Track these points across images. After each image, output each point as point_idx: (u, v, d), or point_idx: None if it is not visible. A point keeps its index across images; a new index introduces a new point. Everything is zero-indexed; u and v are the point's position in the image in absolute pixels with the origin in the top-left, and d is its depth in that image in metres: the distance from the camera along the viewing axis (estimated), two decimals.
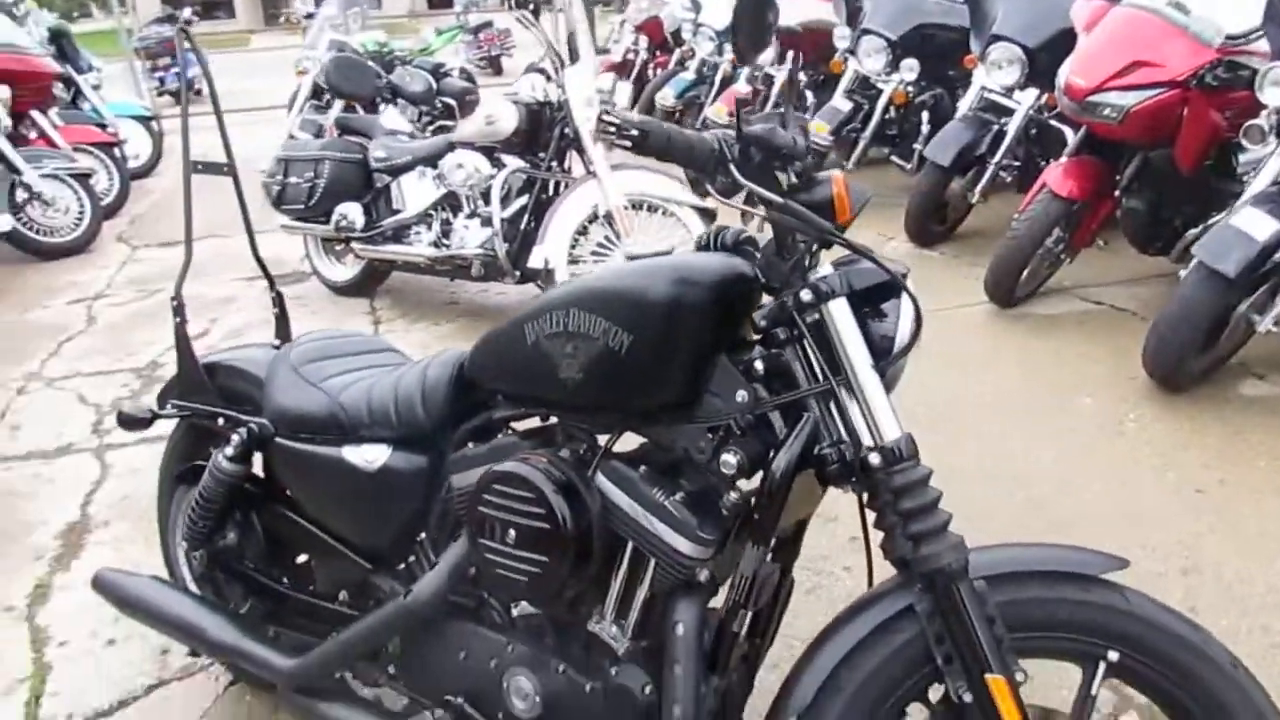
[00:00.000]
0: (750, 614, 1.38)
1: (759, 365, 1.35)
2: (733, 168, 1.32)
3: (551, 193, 4.30)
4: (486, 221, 4.27)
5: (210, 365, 2.00)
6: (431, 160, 4.50)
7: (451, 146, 4.43)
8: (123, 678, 2.24)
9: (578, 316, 1.40)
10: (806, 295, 1.31)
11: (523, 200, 4.29)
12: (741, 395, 1.35)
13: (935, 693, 1.33)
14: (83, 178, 6.25)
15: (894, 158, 5.87)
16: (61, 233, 6.16)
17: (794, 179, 1.33)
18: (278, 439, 1.81)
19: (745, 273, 1.36)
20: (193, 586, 2.07)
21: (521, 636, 1.58)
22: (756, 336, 1.40)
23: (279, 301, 2.14)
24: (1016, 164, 4.74)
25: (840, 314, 1.30)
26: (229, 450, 1.84)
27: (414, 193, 4.61)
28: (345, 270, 5.03)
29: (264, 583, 1.95)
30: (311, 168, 4.66)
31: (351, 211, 4.61)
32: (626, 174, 4.02)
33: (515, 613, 1.61)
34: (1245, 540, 2.47)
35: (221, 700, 2.12)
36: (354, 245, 4.69)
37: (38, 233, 6.08)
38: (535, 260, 4.01)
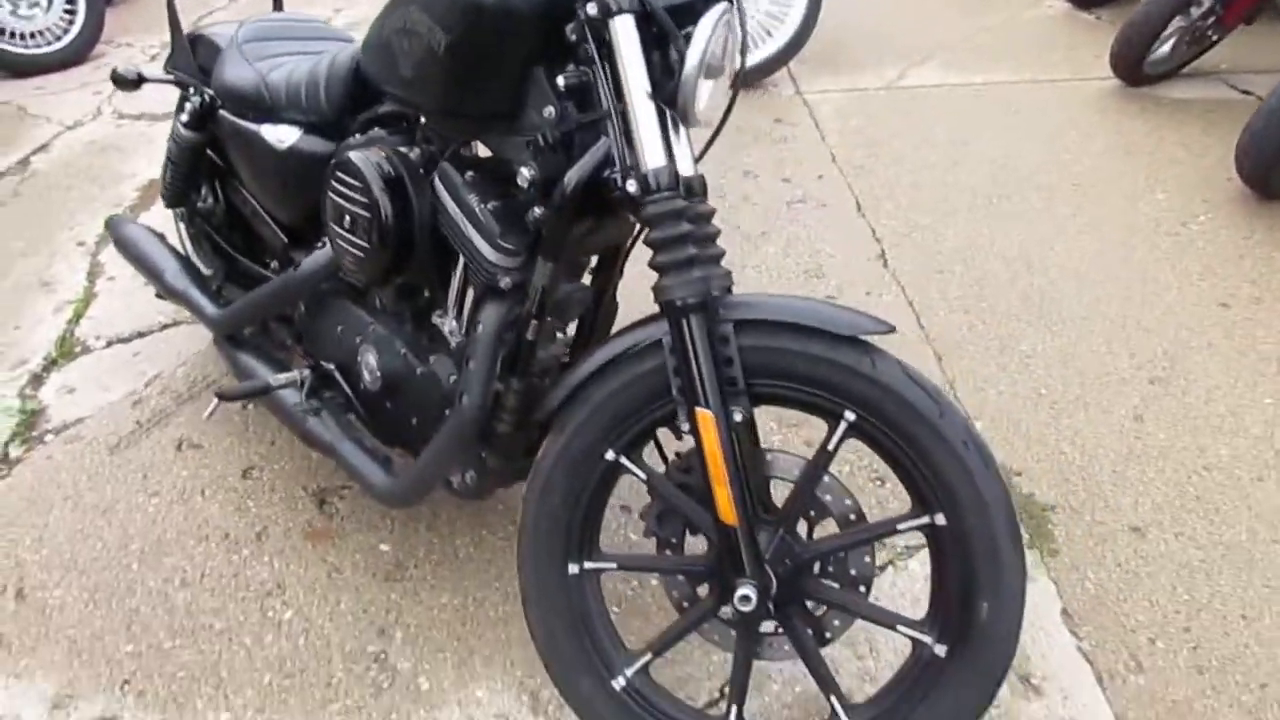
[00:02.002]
0: (537, 324, 1.45)
1: (563, 82, 1.33)
2: None
3: None
4: None
5: (194, 37, 2.13)
6: None
7: None
8: (145, 315, 2.59)
9: (413, 13, 1.41)
10: (592, 9, 1.26)
11: None
12: (549, 111, 1.35)
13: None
14: None
15: None
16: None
17: None
18: (219, 110, 1.95)
19: None
20: (184, 246, 2.33)
21: (383, 320, 1.72)
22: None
23: None
24: None
25: (623, 32, 1.25)
26: (184, 116, 2.01)
27: None
28: None
29: (223, 246, 2.17)
30: None
31: None
32: None
33: (384, 300, 1.74)
34: (1236, 362, 2.28)
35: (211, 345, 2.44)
36: None
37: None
38: None
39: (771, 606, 1.31)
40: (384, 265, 1.53)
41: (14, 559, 1.85)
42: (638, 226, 1.51)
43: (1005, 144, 3.38)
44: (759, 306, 1.31)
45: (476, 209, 1.45)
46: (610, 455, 1.38)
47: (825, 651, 1.39)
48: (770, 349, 1.29)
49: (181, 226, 2.30)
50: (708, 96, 1.33)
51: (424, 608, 1.73)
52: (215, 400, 1.78)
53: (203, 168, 2.12)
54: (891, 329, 1.29)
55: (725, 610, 1.32)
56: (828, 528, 1.38)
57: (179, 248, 2.30)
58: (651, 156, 1.26)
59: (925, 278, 2.64)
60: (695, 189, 1.36)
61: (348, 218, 1.55)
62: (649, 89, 1.26)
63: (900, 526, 1.33)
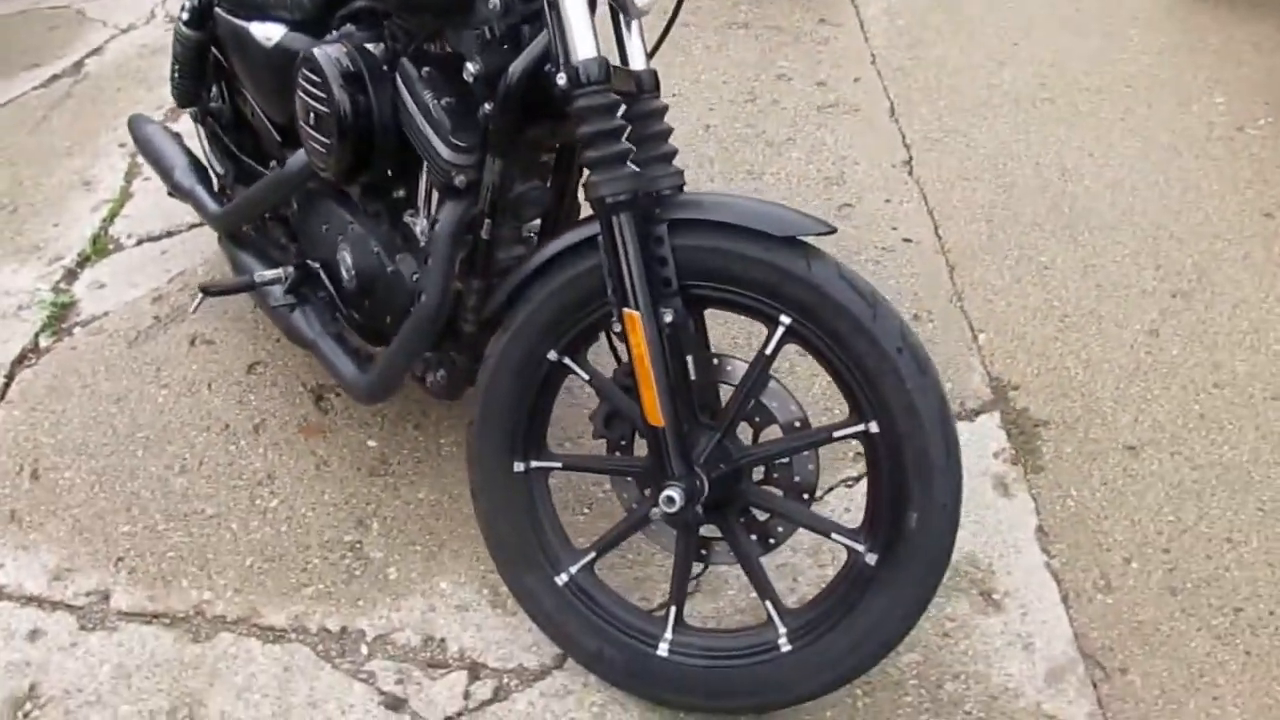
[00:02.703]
0: (491, 223, 1.45)
1: None
2: None
3: None
4: None
5: None
6: None
7: None
8: (175, 215, 2.65)
9: None
10: None
11: None
12: (494, 2, 1.32)
13: None
14: None
15: None
16: None
17: None
18: (216, 7, 1.96)
19: None
20: (203, 148, 2.37)
21: (362, 219, 1.73)
22: None
23: None
24: None
25: None
26: (184, 14, 2.03)
27: None
28: None
29: (231, 147, 2.20)
30: None
31: None
32: None
33: (362, 200, 1.75)
34: (1272, 276, 2.14)
35: None
36: None
37: None
38: None
39: (701, 510, 1.31)
40: (346, 162, 1.53)
41: (33, 441, 1.97)
42: None
43: (1059, 43, 3.18)
44: (697, 206, 1.28)
45: (431, 105, 1.44)
46: (553, 355, 1.38)
47: (788, 558, 1.39)
48: (705, 249, 1.27)
49: (199, 128, 2.34)
50: None
51: (402, 502, 1.79)
52: (199, 294, 1.83)
53: (208, 68, 2.14)
54: (831, 230, 1.25)
55: (655, 512, 1.33)
56: (776, 434, 1.37)
57: (200, 150, 2.35)
58: (581, 48, 1.23)
59: (950, 185, 2.54)
60: (644, 84, 1.33)
61: (312, 114, 1.56)
62: None
63: (836, 434, 1.31)
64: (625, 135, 1.26)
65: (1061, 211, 2.41)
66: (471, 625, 1.58)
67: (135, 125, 2.40)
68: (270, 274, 1.81)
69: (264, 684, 1.52)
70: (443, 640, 1.57)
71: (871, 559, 1.29)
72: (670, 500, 1.27)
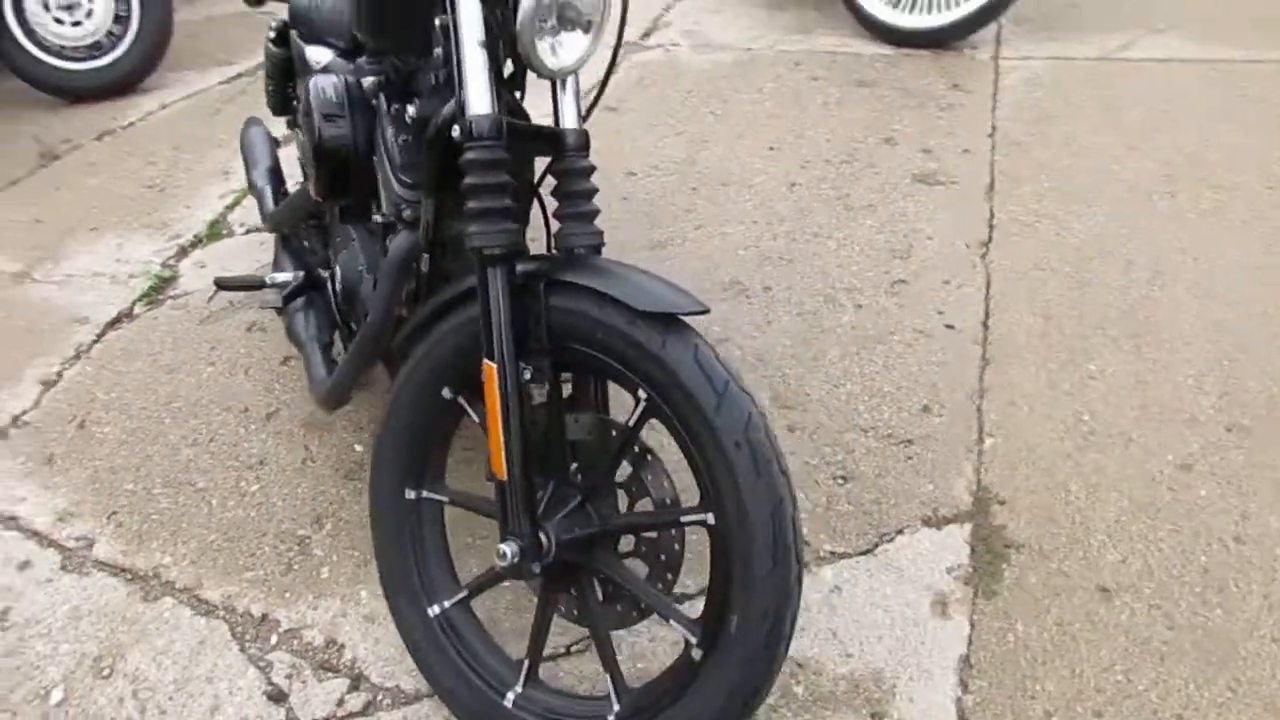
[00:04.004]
0: (428, 256, 1.51)
1: (439, 23, 1.35)
2: None
3: None
4: None
5: None
6: None
7: None
8: None
9: None
10: None
11: None
12: (436, 52, 1.39)
13: None
14: None
15: None
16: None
17: None
18: (290, 28, 2.15)
19: None
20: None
21: (360, 236, 1.83)
22: None
23: None
24: None
25: None
26: (270, 33, 2.23)
27: None
28: None
29: None
30: None
31: None
32: None
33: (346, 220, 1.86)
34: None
35: None
36: None
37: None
38: None
39: (541, 568, 1.30)
40: (324, 184, 1.64)
41: (91, 395, 2.22)
42: (540, 168, 1.50)
43: (1207, 133, 2.89)
44: (578, 270, 1.29)
45: (391, 140, 1.52)
46: (447, 393, 1.42)
47: None
48: (575, 313, 1.27)
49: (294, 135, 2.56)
50: (567, 47, 1.30)
51: (360, 507, 1.88)
52: (214, 288, 2.00)
53: (292, 82, 2.34)
54: (703, 310, 1.21)
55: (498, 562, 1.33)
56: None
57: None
58: (475, 103, 1.26)
59: (1021, 274, 2.37)
60: (570, 143, 1.35)
61: (304, 135, 1.68)
62: (481, 36, 1.25)
63: (683, 519, 1.27)
64: (511, 191, 1.28)
65: (1135, 318, 2.19)
66: (371, 637, 1.64)
67: (246, 125, 2.65)
68: (280, 277, 1.95)
69: (178, 651, 1.64)
70: (342, 646, 1.64)
71: (697, 654, 1.24)
72: (503, 554, 1.28)
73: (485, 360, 1.26)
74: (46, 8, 3.61)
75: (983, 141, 2.94)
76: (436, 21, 1.35)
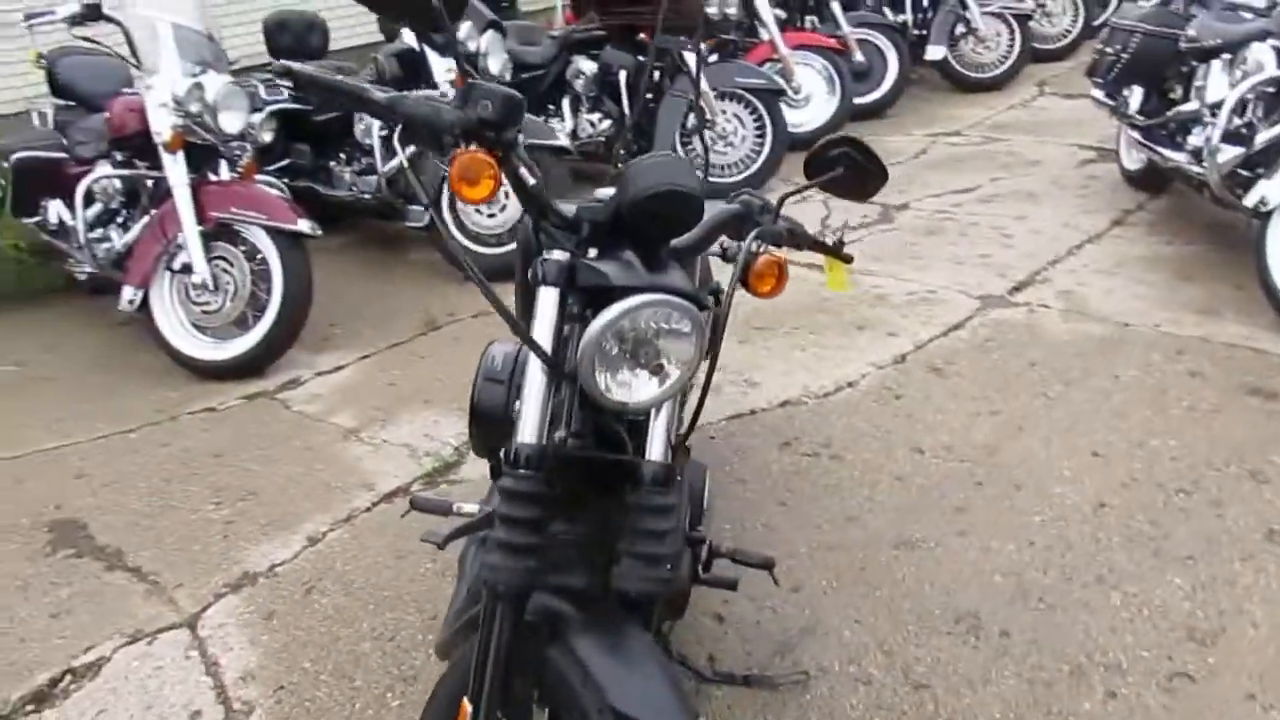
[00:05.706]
0: None
1: None
2: None
3: None
4: None
5: None
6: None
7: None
8: None
9: None
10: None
11: None
12: None
13: None
14: (1022, 19, 6.59)
15: None
16: (986, 69, 6.73)
17: None
18: None
19: None
20: None
21: None
22: None
23: None
24: None
25: (544, 299, 1.22)
26: None
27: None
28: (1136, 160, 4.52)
29: None
30: (1123, 39, 4.22)
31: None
32: None
33: None
34: None
35: None
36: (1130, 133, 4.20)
37: (965, 67, 6.74)
38: None
39: None
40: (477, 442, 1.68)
41: (330, 563, 2.44)
42: None
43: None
44: (584, 631, 1.17)
45: None
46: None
47: None
48: (564, 680, 1.15)
49: None
50: (632, 388, 1.20)
51: None
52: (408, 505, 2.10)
53: None
54: None
55: None
56: None
57: None
58: (525, 430, 1.20)
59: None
60: (651, 477, 1.24)
61: None
62: (545, 362, 1.20)
63: None
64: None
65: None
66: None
67: None
68: (467, 508, 2.01)
69: None
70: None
71: None
72: None
73: (464, 699, 1.17)
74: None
75: None
76: None
